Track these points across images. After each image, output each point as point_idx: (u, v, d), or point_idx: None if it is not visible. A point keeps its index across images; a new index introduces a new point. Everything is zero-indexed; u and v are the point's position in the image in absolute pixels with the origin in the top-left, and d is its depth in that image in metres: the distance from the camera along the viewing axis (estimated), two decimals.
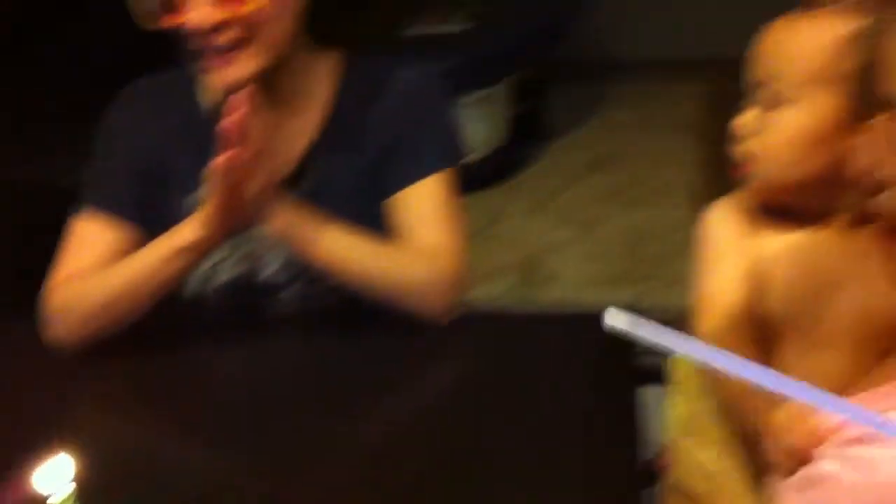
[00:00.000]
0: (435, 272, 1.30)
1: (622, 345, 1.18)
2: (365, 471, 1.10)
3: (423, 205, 1.34)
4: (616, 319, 0.63)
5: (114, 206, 1.31)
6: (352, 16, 1.31)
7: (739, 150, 1.04)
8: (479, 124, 3.17)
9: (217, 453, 1.15)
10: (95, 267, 1.29)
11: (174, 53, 1.27)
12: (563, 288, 2.83)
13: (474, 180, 2.72)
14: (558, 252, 3.01)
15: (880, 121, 0.83)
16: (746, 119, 1.03)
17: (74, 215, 1.33)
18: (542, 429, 1.14)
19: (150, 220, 1.32)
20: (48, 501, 0.83)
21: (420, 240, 1.32)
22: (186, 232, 1.24)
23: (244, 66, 1.22)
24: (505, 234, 3.12)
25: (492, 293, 2.73)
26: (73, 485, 0.84)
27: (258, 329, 1.36)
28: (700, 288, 1.11)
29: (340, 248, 1.27)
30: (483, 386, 1.23)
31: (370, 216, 1.34)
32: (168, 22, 1.20)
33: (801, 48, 0.96)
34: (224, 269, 1.36)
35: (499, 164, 3.37)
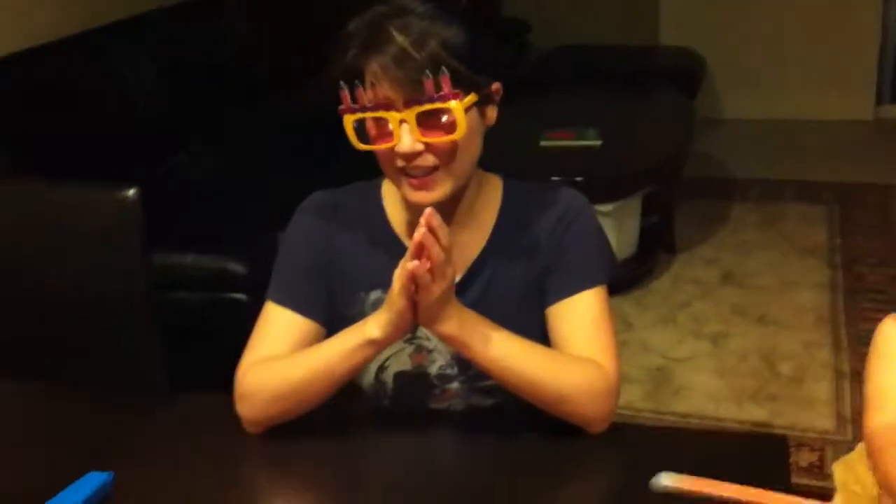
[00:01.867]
0: (594, 380, 1.37)
1: (775, 463, 1.23)
2: None
3: (582, 316, 1.42)
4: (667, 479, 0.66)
5: (300, 305, 1.44)
6: (499, 127, 1.42)
7: None
8: (611, 234, 3.24)
9: None
10: (283, 353, 1.41)
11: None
12: (694, 401, 2.84)
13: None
14: (689, 364, 3.03)
15: None
16: None
17: (265, 303, 1.45)
18: None
19: (331, 317, 1.44)
20: None
21: (580, 348, 1.39)
22: (369, 329, 1.33)
23: (439, 187, 1.36)
24: (635, 343, 3.16)
25: (623, 400, 2.75)
26: None
27: (426, 418, 1.45)
28: (870, 387, 1.17)
29: (503, 352, 1.35)
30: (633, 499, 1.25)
31: (532, 324, 1.42)
32: (380, 146, 1.34)
33: None
34: (398, 360, 1.46)
35: (629, 274, 3.44)
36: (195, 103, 3.01)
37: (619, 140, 3.56)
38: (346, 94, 1.32)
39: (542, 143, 3.49)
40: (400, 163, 1.34)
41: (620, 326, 3.18)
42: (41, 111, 2.60)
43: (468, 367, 1.43)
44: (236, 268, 2.41)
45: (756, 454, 1.31)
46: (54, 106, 2.62)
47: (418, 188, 1.35)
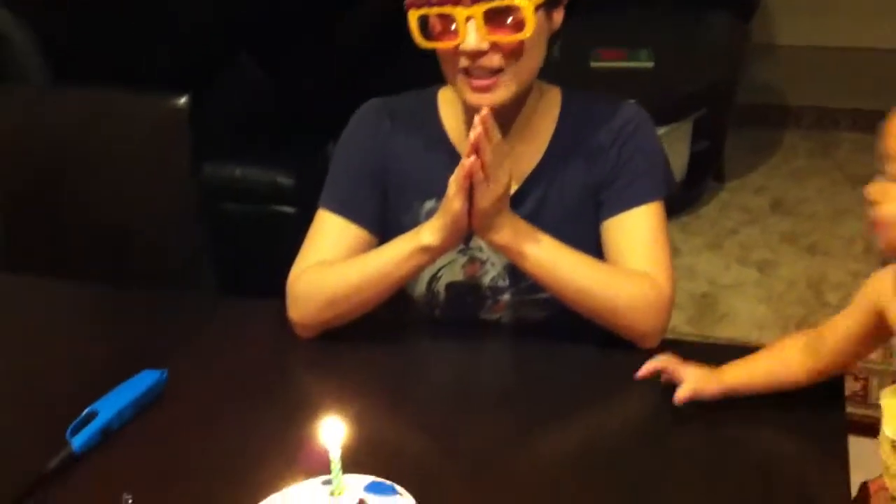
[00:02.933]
0: (648, 293, 1.36)
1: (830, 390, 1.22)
2: (544, 482, 1.15)
3: (638, 230, 1.40)
4: None
5: (353, 212, 1.43)
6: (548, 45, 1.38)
7: (870, 214, 1.08)
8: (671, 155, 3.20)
9: (426, 436, 1.25)
10: (335, 260, 1.41)
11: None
12: (738, 327, 2.82)
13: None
14: (734, 291, 3.01)
15: None
16: (874, 187, 1.09)
17: (318, 211, 1.45)
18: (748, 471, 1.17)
19: (385, 224, 1.43)
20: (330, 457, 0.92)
21: (635, 263, 1.38)
22: (424, 235, 1.33)
23: (503, 90, 1.32)
24: (681, 269, 3.13)
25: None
26: (339, 449, 0.93)
27: (476, 328, 1.45)
28: None
29: (557, 263, 1.34)
30: (677, 417, 1.25)
31: (587, 238, 1.41)
32: (444, 43, 1.30)
33: None
34: (450, 271, 1.46)
35: (679, 200, 3.39)
36: (243, 14, 2.98)
37: (671, 63, 3.48)
38: None
39: (594, 63, 3.43)
40: (464, 62, 1.31)
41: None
42: (87, 16, 2.58)
43: (521, 279, 1.43)
44: (285, 180, 2.41)
45: None
46: (99, 12, 2.60)
47: (481, 90, 1.32)
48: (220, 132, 2.47)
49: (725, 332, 2.79)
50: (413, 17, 1.30)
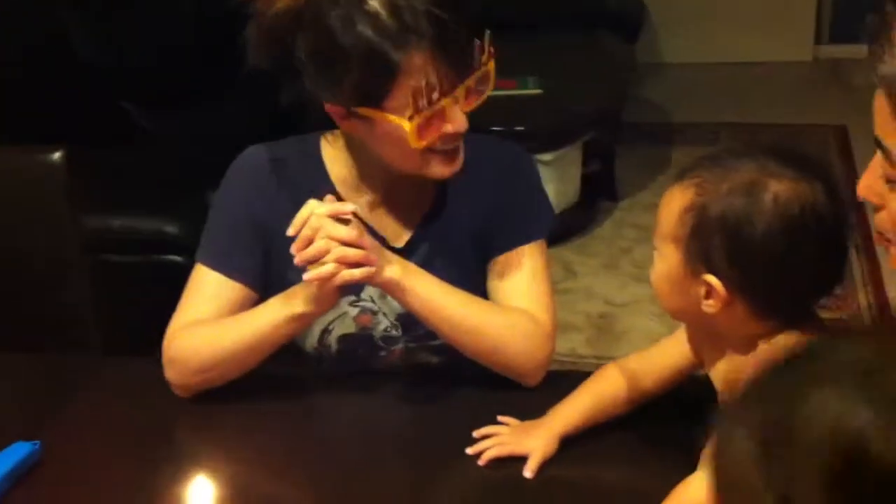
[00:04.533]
0: (530, 330, 1.38)
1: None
2: None
3: (520, 269, 1.42)
4: None
5: (231, 268, 1.40)
6: None
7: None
8: (553, 184, 3.24)
9: (318, 492, 1.24)
10: (212, 317, 1.38)
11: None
12: (636, 345, 2.85)
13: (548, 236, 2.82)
14: (630, 309, 3.06)
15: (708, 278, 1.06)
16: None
17: (194, 267, 1.42)
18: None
19: (268, 279, 1.41)
20: None
21: (517, 301, 1.40)
22: (296, 303, 1.32)
23: (461, 154, 1.34)
24: (578, 291, 3.17)
25: (565, 347, 2.78)
26: None
27: (368, 378, 1.44)
28: None
29: (444, 300, 1.35)
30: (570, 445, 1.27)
31: (474, 281, 1.42)
32: (433, 135, 1.28)
33: (666, 210, 1.11)
34: (342, 323, 1.44)
35: (572, 222, 3.44)
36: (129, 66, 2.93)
37: (559, 88, 3.54)
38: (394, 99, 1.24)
39: None
40: (447, 144, 1.31)
41: (563, 275, 3.19)
42: None
43: (413, 328, 1.43)
44: (170, 229, 2.37)
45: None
46: None
47: (452, 161, 1.33)
48: (100, 183, 2.42)
49: (623, 351, 2.81)
50: (412, 127, 1.26)
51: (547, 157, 3.23)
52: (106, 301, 2.01)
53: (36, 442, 1.29)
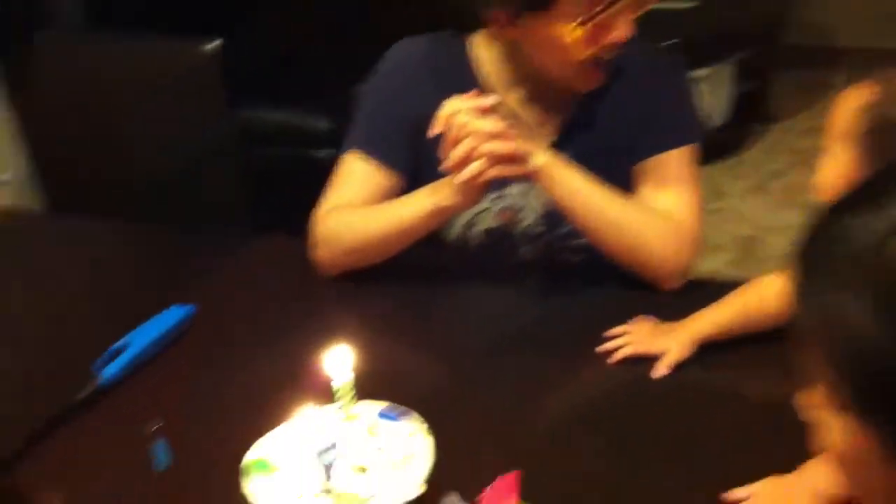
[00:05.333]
0: (676, 235, 1.35)
1: None
2: (559, 419, 1.15)
3: (668, 173, 1.39)
4: None
5: (380, 155, 1.41)
6: None
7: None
8: (704, 101, 3.15)
9: (446, 370, 1.25)
10: (360, 203, 1.40)
11: None
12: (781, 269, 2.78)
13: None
14: (779, 233, 2.96)
15: None
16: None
17: (344, 153, 1.44)
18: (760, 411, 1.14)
19: (417, 169, 1.41)
20: (333, 385, 0.93)
21: (664, 203, 1.37)
22: (443, 195, 1.31)
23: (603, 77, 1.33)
24: (726, 211, 3.09)
25: (709, 267, 2.72)
26: (352, 374, 0.94)
27: (507, 271, 1.44)
28: None
29: (590, 194, 1.32)
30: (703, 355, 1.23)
31: (619, 184, 1.39)
32: (601, 42, 1.27)
33: (840, 109, 1.05)
34: (486, 217, 1.45)
35: (722, 142, 3.34)
36: None
37: (716, 1, 3.41)
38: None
39: None
40: (602, 53, 1.29)
41: (711, 195, 3.11)
42: None
43: (556, 226, 1.42)
44: (319, 124, 2.41)
45: None
46: None
47: (599, 74, 1.33)
48: (254, 75, 2.47)
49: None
50: (579, 34, 1.25)
51: (699, 72, 3.13)
52: (254, 190, 2.07)
53: (191, 305, 1.36)
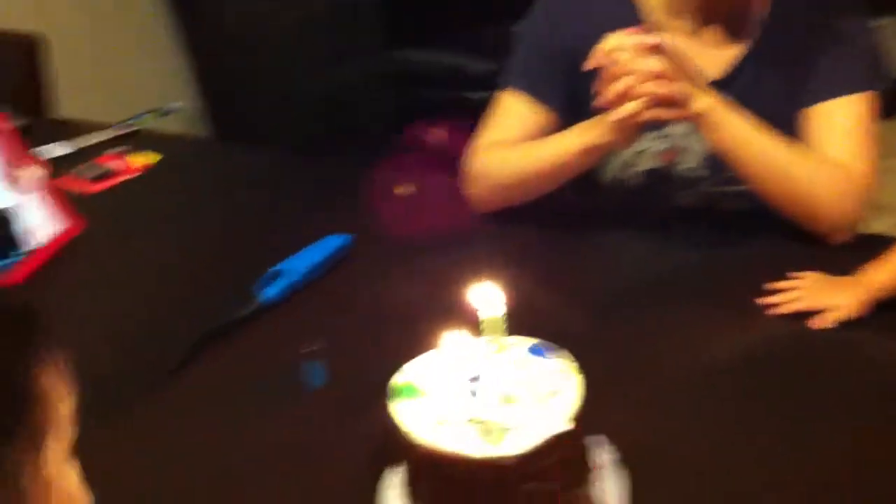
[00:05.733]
0: (847, 184, 1.28)
1: None
2: (716, 369, 1.12)
3: (841, 120, 1.32)
4: None
5: (537, 91, 1.40)
6: None
7: None
8: (892, 50, 2.97)
9: (598, 310, 1.23)
10: (515, 140, 1.40)
11: None
12: None
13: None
14: None
15: None
16: None
17: (501, 91, 1.43)
18: None
19: (573, 107, 1.39)
20: (483, 317, 0.93)
21: (834, 151, 1.30)
22: (597, 133, 1.28)
23: None
24: None
25: (878, 228, 2.58)
26: (503, 308, 0.94)
27: (666, 216, 1.41)
28: None
29: (753, 139, 1.27)
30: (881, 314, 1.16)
31: (789, 128, 1.33)
32: None
33: None
34: (645, 158, 1.41)
35: None
36: None
37: None
38: None
39: None
40: None
41: (886, 152, 2.93)
42: None
43: (719, 170, 1.37)
44: (476, 66, 2.39)
45: None
46: None
47: None
48: (413, 16, 2.47)
49: None
50: None
51: (882, 21, 2.95)
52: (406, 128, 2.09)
53: (348, 235, 1.38)
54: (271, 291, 1.29)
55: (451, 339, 0.93)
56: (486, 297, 0.94)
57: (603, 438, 0.96)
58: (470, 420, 0.87)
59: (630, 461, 0.95)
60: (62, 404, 0.53)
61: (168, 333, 1.24)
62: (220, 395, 1.14)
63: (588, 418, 0.91)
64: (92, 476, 0.53)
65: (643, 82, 1.20)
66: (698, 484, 0.95)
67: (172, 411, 1.12)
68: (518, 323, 0.96)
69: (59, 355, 0.53)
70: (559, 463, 0.87)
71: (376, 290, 1.30)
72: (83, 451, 0.60)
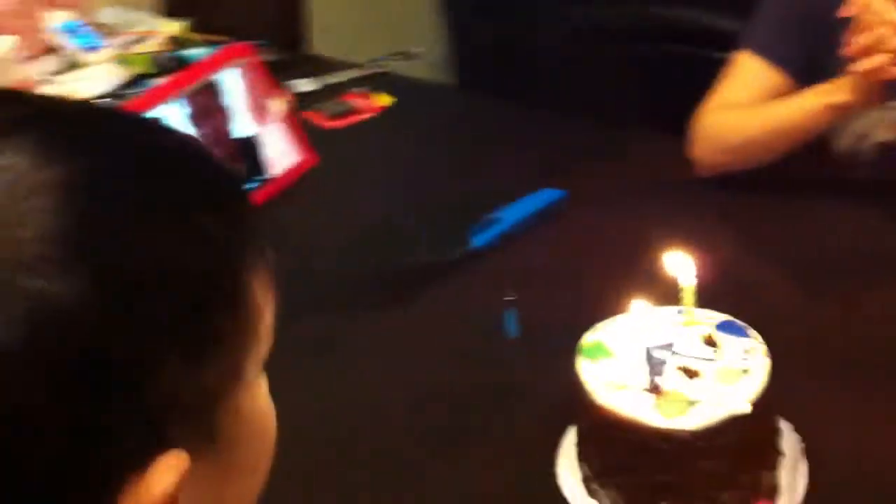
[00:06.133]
0: None
1: None
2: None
3: None
4: None
5: (776, 54, 1.36)
6: None
7: None
8: None
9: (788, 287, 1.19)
10: (747, 103, 1.36)
11: None
12: None
13: None
14: None
15: None
16: None
17: (738, 51, 1.40)
18: None
19: (804, 75, 1.34)
20: (678, 287, 0.93)
21: None
22: (838, 91, 1.23)
23: None
24: None
25: None
26: (695, 280, 0.94)
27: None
28: None
29: None
30: None
31: None
32: None
33: None
34: (881, 128, 1.34)
35: None
36: None
37: None
38: None
39: None
40: None
41: None
42: None
43: None
44: (723, 24, 2.31)
45: None
46: None
47: None
48: None
49: None
50: None
51: None
52: (641, 88, 2.07)
53: (563, 191, 1.40)
54: (483, 237, 1.33)
55: (645, 306, 0.94)
56: (683, 266, 0.94)
57: (789, 425, 0.94)
58: (651, 388, 0.88)
59: (816, 451, 0.93)
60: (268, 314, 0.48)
61: (381, 268, 1.31)
62: (421, 331, 1.20)
63: (775, 403, 0.90)
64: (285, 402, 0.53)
65: (894, 36, 1.13)
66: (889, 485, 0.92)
67: (376, 343, 1.19)
68: (710, 296, 0.95)
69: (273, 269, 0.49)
70: (737, 444, 0.86)
71: (582, 247, 1.31)
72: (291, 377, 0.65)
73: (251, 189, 1.48)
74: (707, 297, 0.95)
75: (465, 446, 1.03)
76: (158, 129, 0.48)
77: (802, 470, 0.92)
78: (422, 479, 1.00)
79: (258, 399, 0.49)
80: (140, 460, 0.41)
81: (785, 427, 0.94)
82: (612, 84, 2.11)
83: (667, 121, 1.62)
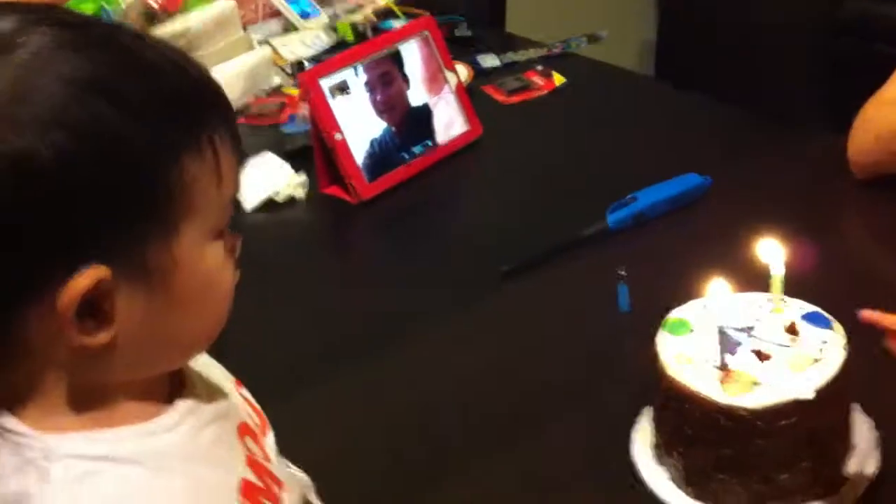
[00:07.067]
0: None
1: None
2: None
3: None
4: None
5: None
6: None
7: None
8: None
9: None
10: None
11: None
12: None
13: None
14: None
15: None
16: None
17: None
18: None
19: None
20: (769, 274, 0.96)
21: None
22: None
23: None
24: None
25: None
26: (784, 269, 0.96)
27: None
28: None
29: None
30: None
31: None
32: None
33: None
34: None
35: None
36: None
37: None
38: None
39: None
40: None
41: None
42: None
43: None
44: None
45: None
46: None
47: None
48: None
49: None
50: None
51: None
52: (840, 83, 2.01)
53: (708, 177, 1.42)
54: (619, 216, 1.38)
55: (737, 290, 0.97)
56: (774, 254, 0.96)
57: (869, 420, 0.95)
58: (720, 367, 0.92)
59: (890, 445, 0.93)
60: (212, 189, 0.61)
61: (521, 240, 1.39)
62: (543, 304, 1.27)
63: (847, 395, 0.91)
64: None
65: None
66: None
67: (499, 311, 1.27)
68: (796, 285, 0.97)
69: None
70: (798, 429, 0.89)
71: (717, 232, 1.31)
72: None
73: (418, 153, 1.59)
74: (793, 287, 0.96)
75: (566, 409, 1.10)
76: (152, 45, 0.62)
77: (873, 462, 0.93)
78: (523, 438, 1.07)
79: (206, 259, 0.63)
80: (62, 269, 0.57)
81: (863, 421, 0.95)
82: (799, 79, 2.07)
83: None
